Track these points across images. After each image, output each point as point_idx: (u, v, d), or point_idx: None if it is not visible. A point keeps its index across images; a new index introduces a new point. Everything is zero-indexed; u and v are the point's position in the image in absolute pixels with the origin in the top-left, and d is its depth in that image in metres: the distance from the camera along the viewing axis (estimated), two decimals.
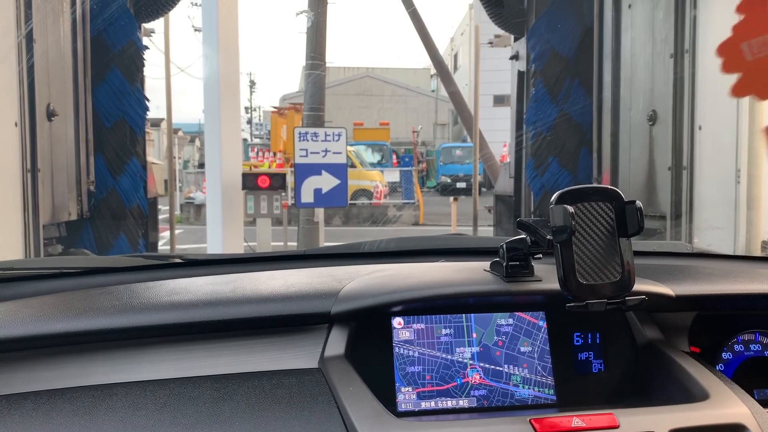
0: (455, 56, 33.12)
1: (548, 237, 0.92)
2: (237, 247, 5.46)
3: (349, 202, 12.17)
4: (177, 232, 7.24)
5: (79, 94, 4.53)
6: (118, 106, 4.92)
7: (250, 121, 39.28)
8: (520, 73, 5.98)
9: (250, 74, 50.24)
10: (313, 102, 7.70)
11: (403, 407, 1.02)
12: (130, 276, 1.31)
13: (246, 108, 39.76)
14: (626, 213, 0.94)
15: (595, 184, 1.00)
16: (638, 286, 0.99)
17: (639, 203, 0.93)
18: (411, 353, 1.05)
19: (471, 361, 1.06)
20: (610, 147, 4.80)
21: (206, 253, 4.80)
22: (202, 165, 17.84)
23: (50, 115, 4.02)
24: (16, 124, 3.59)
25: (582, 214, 0.93)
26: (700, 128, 3.80)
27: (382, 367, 1.03)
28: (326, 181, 5.62)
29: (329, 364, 0.98)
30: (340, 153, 5.70)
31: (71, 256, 4.19)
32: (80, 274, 1.33)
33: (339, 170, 5.67)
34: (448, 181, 21.95)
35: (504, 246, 1.09)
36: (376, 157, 21.57)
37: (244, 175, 5.94)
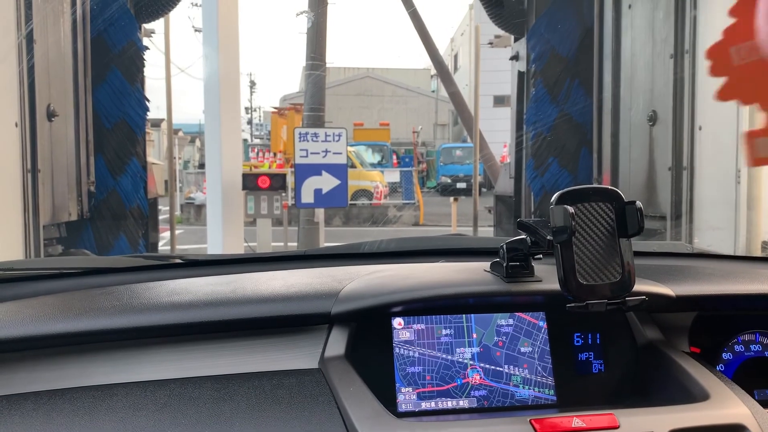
0: (455, 57, 33.13)
1: (548, 237, 0.92)
2: (237, 247, 5.46)
3: (350, 202, 12.18)
4: (177, 232, 7.24)
5: (80, 94, 4.53)
6: (119, 107, 4.92)
7: (250, 122, 39.31)
8: (521, 74, 5.98)
9: (251, 74, 50.25)
10: (313, 102, 7.70)
11: (403, 408, 1.02)
12: (131, 276, 1.31)
13: (246, 108, 39.81)
14: (626, 213, 0.94)
15: (595, 185, 1.00)
16: (638, 287, 0.99)
17: (639, 204, 0.93)
18: (411, 354, 1.05)
19: (471, 362, 1.06)
20: (610, 147, 4.80)
21: (206, 254, 4.80)
22: (202, 165, 17.83)
23: (50, 115, 4.02)
24: (16, 125, 3.59)
25: (582, 215, 0.93)
26: (700, 128, 3.80)
27: (382, 367, 1.03)
28: (326, 182, 5.62)
29: (329, 364, 0.98)
30: (340, 153, 5.70)
31: (71, 256, 4.19)
32: (80, 275, 1.33)
33: (339, 170, 5.67)
34: (449, 181, 21.96)
35: (504, 246, 1.09)
36: (376, 158, 21.58)
37: (245, 176, 5.94)
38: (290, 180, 7.38)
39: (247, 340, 1.02)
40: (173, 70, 6.32)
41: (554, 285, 0.96)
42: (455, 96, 11.15)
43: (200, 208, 13.75)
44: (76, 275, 1.33)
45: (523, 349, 1.07)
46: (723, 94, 1.69)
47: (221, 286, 1.14)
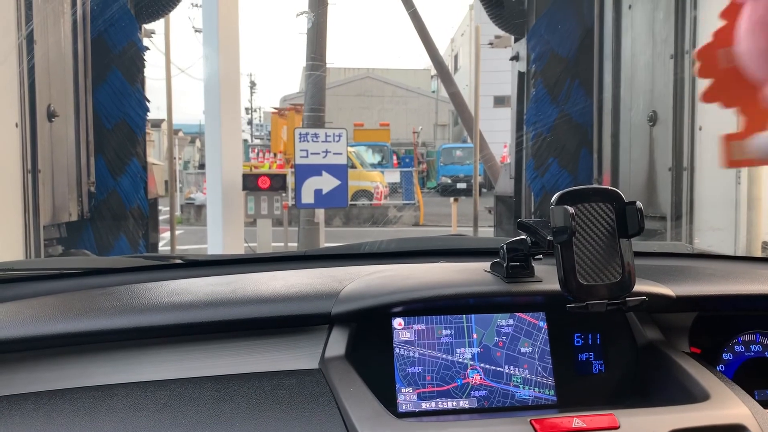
0: (455, 57, 33.13)
1: (548, 238, 0.92)
2: (237, 247, 5.47)
3: (350, 202, 12.18)
4: (177, 232, 7.24)
5: (80, 94, 4.53)
6: (119, 107, 4.92)
7: (250, 122, 39.30)
8: (521, 74, 5.99)
9: (251, 75, 50.31)
10: (313, 103, 7.70)
11: (403, 408, 1.02)
12: (131, 277, 1.31)
13: (246, 109, 39.80)
14: (627, 214, 0.94)
15: (595, 185, 1.00)
16: (639, 287, 0.99)
17: (639, 204, 0.93)
18: (411, 354, 1.05)
19: (471, 362, 1.06)
20: (610, 148, 4.80)
21: (207, 254, 4.80)
22: (202, 166, 17.83)
23: (51, 115, 4.02)
24: (16, 125, 3.60)
25: (582, 215, 0.93)
26: (700, 129, 3.81)
27: (382, 367, 1.03)
28: (327, 182, 5.62)
29: (330, 364, 0.98)
30: (340, 154, 5.70)
31: (72, 256, 4.20)
32: (81, 275, 1.33)
33: (339, 171, 5.68)
34: (449, 181, 21.96)
35: (504, 247, 1.09)
36: (376, 158, 21.58)
37: (245, 176, 5.94)
38: (290, 180, 7.38)
39: (248, 341, 1.02)
40: (173, 70, 6.32)
41: (554, 285, 0.96)
42: (455, 96, 11.16)
43: (200, 208, 13.76)
44: (77, 275, 1.33)
45: (523, 350, 1.07)
46: (707, 96, 1.69)
47: (221, 287, 1.14)
